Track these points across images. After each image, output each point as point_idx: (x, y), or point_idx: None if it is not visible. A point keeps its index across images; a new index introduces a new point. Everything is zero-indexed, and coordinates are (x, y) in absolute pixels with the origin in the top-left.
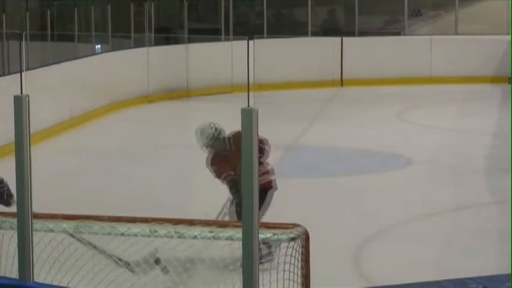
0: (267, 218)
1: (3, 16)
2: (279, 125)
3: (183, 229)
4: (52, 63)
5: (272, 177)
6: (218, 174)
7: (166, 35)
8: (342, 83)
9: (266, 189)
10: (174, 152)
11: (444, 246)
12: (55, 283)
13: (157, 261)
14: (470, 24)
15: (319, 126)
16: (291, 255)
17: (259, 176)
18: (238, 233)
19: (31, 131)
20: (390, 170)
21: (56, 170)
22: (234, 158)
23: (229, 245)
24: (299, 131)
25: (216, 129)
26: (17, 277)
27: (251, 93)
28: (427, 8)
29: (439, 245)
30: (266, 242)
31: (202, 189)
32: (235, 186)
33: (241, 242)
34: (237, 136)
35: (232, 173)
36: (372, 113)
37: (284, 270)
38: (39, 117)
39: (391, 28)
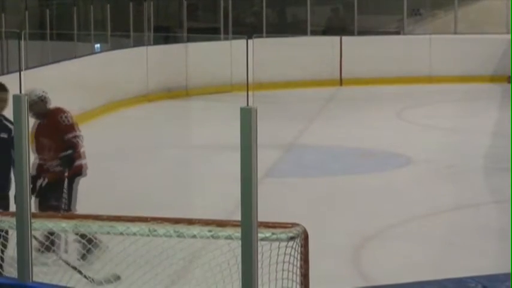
0: (264, 217)
1: (2, 15)
2: (278, 124)
3: (182, 228)
4: (51, 63)
5: (83, 162)
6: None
7: (166, 34)
8: (341, 82)
9: (75, 175)
10: (173, 151)
11: (444, 245)
12: (54, 282)
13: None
14: (469, 23)
15: (319, 126)
16: (290, 254)
17: (76, 160)
18: (237, 232)
19: (30, 130)
20: (390, 170)
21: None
22: (43, 132)
23: (228, 244)
24: (298, 130)
25: (44, 92)
26: (16, 276)
27: (250, 92)
28: (426, 7)
29: (438, 244)
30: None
31: (201, 188)
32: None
33: (240, 241)
34: (56, 110)
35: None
36: (371, 113)
37: (283, 270)
38: None
39: (390, 27)
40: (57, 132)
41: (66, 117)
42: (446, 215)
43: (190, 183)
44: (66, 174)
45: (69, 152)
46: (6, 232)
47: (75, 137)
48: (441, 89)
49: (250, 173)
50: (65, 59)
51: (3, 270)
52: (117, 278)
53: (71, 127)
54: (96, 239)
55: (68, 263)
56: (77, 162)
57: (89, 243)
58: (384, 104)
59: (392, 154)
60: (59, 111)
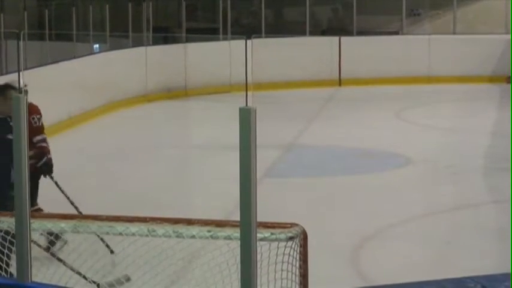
0: (263, 218)
1: (1, 15)
2: (278, 124)
3: (181, 228)
4: (50, 63)
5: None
6: None
7: (165, 34)
8: (340, 82)
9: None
10: (172, 152)
11: (443, 245)
12: (53, 282)
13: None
14: (468, 23)
15: (318, 126)
16: (289, 254)
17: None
18: (236, 233)
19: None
20: (389, 170)
21: (54, 169)
22: None
23: (227, 244)
24: (298, 130)
25: (26, 85)
26: (15, 277)
27: (249, 93)
28: (425, 7)
29: (438, 244)
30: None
31: (201, 188)
32: None
33: (239, 241)
34: (32, 109)
35: None
36: (371, 113)
37: (282, 270)
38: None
39: (389, 28)
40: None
41: (39, 119)
42: (446, 215)
43: (189, 183)
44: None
45: (44, 159)
46: (6, 233)
47: (44, 140)
48: (440, 89)
49: (250, 173)
50: (64, 59)
51: (2, 271)
52: (120, 282)
53: (40, 129)
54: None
55: (65, 264)
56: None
57: (51, 236)
58: (383, 104)
59: (392, 154)
60: (34, 110)
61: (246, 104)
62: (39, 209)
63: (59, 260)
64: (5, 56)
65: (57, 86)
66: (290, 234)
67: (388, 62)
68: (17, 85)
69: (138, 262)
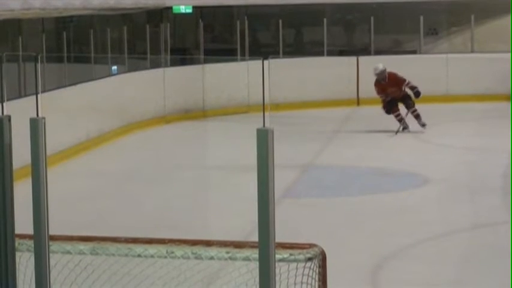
0: (282, 238)
1: (20, 38)
2: (295, 145)
3: (199, 250)
4: (68, 85)
5: None
6: None
7: (182, 56)
8: (358, 102)
9: None
10: (191, 173)
11: (461, 265)
12: None
13: None
14: (486, 42)
15: (336, 146)
16: (308, 275)
17: None
18: (254, 254)
19: (48, 153)
20: (407, 189)
21: (73, 191)
22: None
23: (246, 265)
24: (315, 150)
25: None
26: None
27: (267, 113)
28: (443, 26)
29: (456, 263)
30: None
31: (219, 209)
32: None
33: (257, 263)
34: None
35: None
36: (389, 132)
37: None
38: (55, 139)
39: (407, 47)
40: None
41: None
42: (464, 235)
43: (207, 204)
44: None
45: None
46: None
47: None
48: (458, 108)
49: (267, 194)
50: (82, 82)
51: None
52: None
53: None
54: None
55: None
56: None
57: None
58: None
59: (410, 174)
60: None
61: (264, 125)
62: None
63: None
64: (24, 78)
65: (75, 108)
66: (309, 255)
67: None
68: None
69: (157, 284)
